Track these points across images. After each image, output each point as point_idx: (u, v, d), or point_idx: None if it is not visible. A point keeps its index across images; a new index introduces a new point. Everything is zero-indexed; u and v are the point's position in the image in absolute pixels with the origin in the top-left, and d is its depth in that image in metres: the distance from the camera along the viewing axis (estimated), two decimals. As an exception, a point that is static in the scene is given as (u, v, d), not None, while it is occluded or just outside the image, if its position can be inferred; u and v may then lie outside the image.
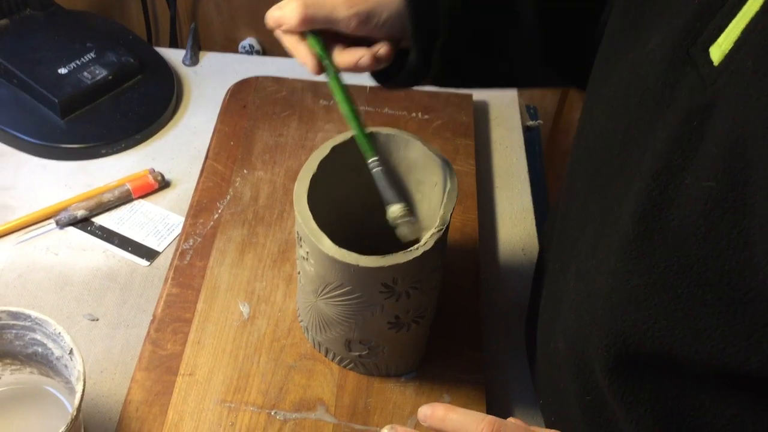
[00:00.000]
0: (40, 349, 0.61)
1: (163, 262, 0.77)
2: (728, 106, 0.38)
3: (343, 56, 0.59)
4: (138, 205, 0.82)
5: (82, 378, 0.56)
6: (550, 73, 0.64)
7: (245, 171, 0.84)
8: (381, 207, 0.61)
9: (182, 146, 0.90)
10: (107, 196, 0.81)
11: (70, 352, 0.58)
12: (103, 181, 0.84)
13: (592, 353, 0.48)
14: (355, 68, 0.58)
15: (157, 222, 0.81)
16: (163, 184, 0.84)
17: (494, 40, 0.61)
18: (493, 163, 0.91)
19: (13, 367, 0.64)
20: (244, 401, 0.65)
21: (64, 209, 0.80)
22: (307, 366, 0.68)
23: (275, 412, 0.64)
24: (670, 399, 0.44)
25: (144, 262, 0.77)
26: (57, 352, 0.60)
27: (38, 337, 0.61)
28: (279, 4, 0.58)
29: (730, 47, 0.39)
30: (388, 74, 0.62)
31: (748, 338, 0.38)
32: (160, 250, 0.78)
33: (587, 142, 0.55)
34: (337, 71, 0.59)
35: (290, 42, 0.59)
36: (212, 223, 0.78)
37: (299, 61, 0.59)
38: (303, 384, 0.66)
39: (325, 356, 0.68)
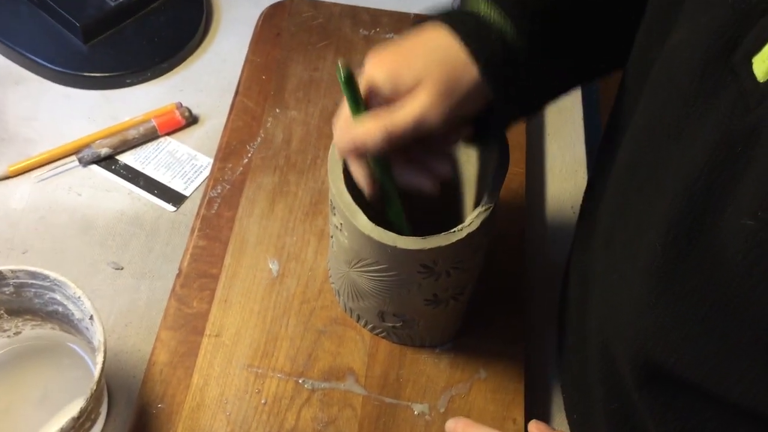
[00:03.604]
0: (60, 309, 0.59)
1: (190, 207, 0.73)
2: None
3: (404, 180, 0.52)
4: (164, 142, 0.78)
5: (102, 348, 0.54)
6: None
7: (277, 110, 0.78)
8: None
9: (211, 76, 0.84)
10: (132, 133, 0.76)
11: (90, 317, 0.55)
12: (127, 113, 0.80)
13: (620, 366, 0.46)
14: (417, 190, 0.52)
15: (184, 163, 0.76)
16: (191, 120, 0.79)
17: (575, 55, 0.52)
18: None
19: (34, 323, 0.62)
20: (271, 367, 0.62)
21: (87, 146, 0.75)
22: (338, 332, 0.64)
23: (303, 381, 0.62)
24: (702, 421, 0.42)
25: (170, 207, 0.73)
26: (77, 315, 0.58)
27: (58, 297, 0.58)
28: (346, 125, 0.49)
29: None
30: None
31: None
32: (187, 194, 0.74)
33: (616, 126, 0.49)
34: (397, 193, 0.53)
35: (352, 160, 0.52)
36: (241, 168, 0.73)
37: (354, 177, 0.52)
38: (333, 351, 0.63)
39: (357, 322, 0.64)
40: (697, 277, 0.37)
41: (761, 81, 0.34)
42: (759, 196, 0.33)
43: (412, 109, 0.47)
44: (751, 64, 0.35)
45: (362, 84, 0.49)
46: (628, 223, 0.44)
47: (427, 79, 0.47)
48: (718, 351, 0.37)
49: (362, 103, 0.49)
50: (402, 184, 0.52)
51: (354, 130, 0.48)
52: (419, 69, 0.47)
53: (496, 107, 0.49)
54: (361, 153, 0.49)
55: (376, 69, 0.49)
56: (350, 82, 0.48)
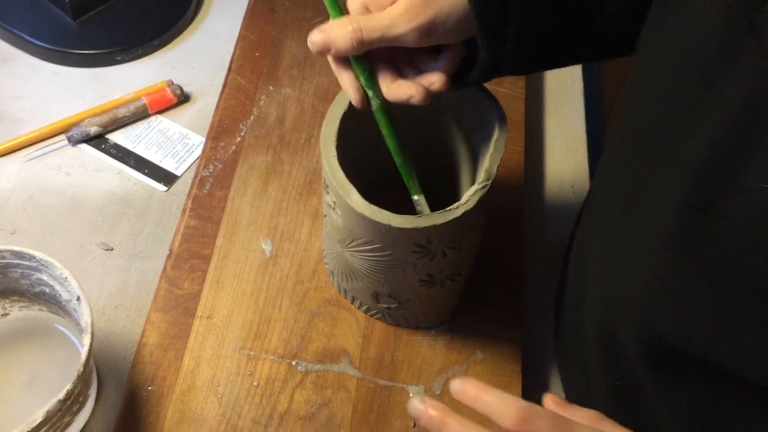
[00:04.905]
0: (47, 290, 0.58)
1: (182, 187, 0.72)
2: None
3: (392, 90, 0.49)
4: (155, 121, 0.76)
5: (90, 330, 0.52)
6: None
7: (271, 88, 0.76)
8: (419, 149, 0.54)
9: (203, 54, 0.82)
10: (122, 111, 0.75)
11: (78, 298, 0.54)
12: (118, 92, 0.78)
13: (624, 342, 0.44)
14: (406, 104, 0.49)
15: (176, 142, 0.75)
16: (182, 99, 0.77)
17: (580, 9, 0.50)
18: (545, 84, 0.82)
19: (21, 304, 0.60)
20: (264, 349, 0.61)
21: (77, 125, 0.74)
22: (332, 313, 0.63)
23: (297, 363, 0.60)
24: (712, 393, 0.41)
25: (161, 187, 0.72)
26: (65, 296, 0.56)
27: (45, 278, 0.57)
28: (323, 25, 0.48)
29: None
30: (457, 75, 0.51)
31: None
32: (178, 174, 0.73)
33: (630, 103, 0.47)
34: (384, 103, 0.51)
35: (333, 65, 0.50)
36: (234, 147, 0.72)
37: (342, 85, 0.51)
38: (327, 333, 0.62)
39: (351, 303, 0.63)
40: (713, 249, 0.36)
41: None
42: None
43: (384, 17, 0.47)
44: None
45: None
46: (643, 197, 0.42)
47: None
48: (734, 327, 0.36)
49: (341, 5, 0.49)
50: (391, 97, 0.50)
51: (327, 28, 0.48)
52: None
53: (479, 40, 0.47)
54: (330, 52, 0.49)
55: None
56: None
